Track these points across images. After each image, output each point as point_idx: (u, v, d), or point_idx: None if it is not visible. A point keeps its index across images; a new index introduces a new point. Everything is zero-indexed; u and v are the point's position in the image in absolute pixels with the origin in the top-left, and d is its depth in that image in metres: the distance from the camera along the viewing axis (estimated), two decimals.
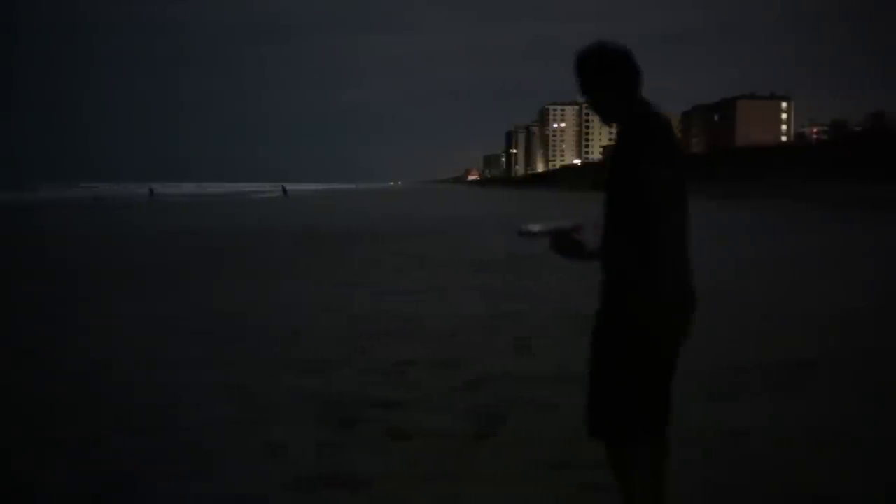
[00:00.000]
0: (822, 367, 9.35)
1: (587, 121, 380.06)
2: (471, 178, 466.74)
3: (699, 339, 10.86)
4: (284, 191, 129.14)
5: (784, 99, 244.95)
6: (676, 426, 4.83)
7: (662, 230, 4.27)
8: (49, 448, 7.07)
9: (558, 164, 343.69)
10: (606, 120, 4.66)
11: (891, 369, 9.34)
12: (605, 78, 4.54)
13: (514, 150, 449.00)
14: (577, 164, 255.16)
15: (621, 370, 4.48)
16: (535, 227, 4.88)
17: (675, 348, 4.57)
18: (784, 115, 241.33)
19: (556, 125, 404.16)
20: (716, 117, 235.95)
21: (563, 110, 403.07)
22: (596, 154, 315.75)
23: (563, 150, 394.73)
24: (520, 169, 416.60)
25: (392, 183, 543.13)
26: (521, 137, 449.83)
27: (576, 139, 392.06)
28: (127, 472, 6.46)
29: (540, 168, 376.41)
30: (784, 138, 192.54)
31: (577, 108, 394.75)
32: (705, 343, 10.81)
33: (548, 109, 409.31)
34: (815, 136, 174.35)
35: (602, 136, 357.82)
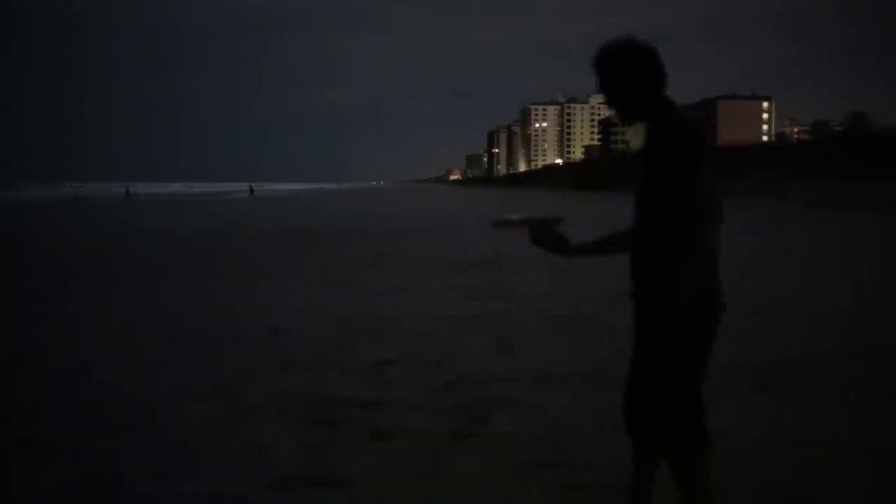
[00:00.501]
0: (803, 367, 9.39)
1: (569, 121, 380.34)
2: (452, 177, 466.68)
3: None
4: (251, 191, 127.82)
5: (765, 99, 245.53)
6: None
7: (702, 234, 4.23)
8: (32, 449, 7.05)
9: (540, 163, 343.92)
10: (629, 117, 4.51)
11: (872, 368, 9.37)
12: (638, 72, 4.43)
13: (496, 150, 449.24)
14: (558, 164, 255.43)
15: (666, 373, 4.51)
16: (514, 216, 4.82)
17: (710, 350, 4.59)
18: (765, 115, 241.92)
19: (537, 125, 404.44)
20: (696, 117, 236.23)
21: (544, 110, 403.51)
22: (577, 154, 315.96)
23: (544, 150, 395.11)
24: (501, 168, 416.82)
25: (374, 183, 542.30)
26: (503, 137, 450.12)
27: (557, 139, 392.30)
28: (110, 473, 6.45)
29: (522, 168, 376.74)
30: (765, 138, 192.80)
31: (558, 108, 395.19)
32: None
33: (529, 109, 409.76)
34: (795, 136, 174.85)
35: (584, 136, 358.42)
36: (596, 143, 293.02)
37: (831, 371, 9.24)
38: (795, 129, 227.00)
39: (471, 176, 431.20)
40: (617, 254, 4.78)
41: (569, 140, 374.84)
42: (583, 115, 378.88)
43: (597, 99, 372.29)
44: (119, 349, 10.91)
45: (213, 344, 11.16)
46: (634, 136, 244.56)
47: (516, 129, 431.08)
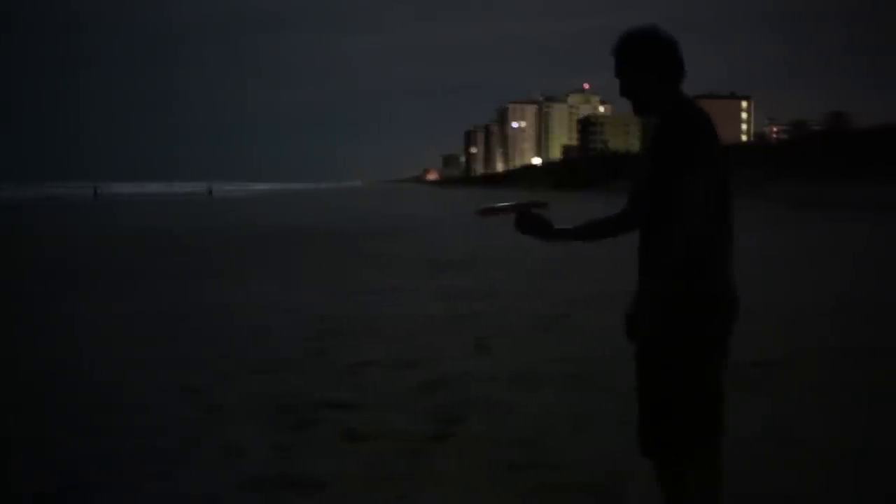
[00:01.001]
0: (787, 367, 9.36)
1: (547, 120, 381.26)
2: (430, 178, 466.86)
3: None
4: (210, 192, 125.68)
5: (744, 98, 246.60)
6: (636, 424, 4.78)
7: (708, 233, 4.14)
8: (3, 449, 6.96)
9: (518, 163, 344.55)
10: (642, 109, 4.35)
11: (859, 368, 9.34)
12: (655, 61, 4.29)
13: (474, 150, 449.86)
14: (536, 164, 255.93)
15: (682, 384, 4.25)
16: (498, 204, 4.79)
17: (721, 351, 4.39)
18: (744, 115, 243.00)
19: (515, 125, 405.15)
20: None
21: (522, 109, 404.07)
22: (556, 154, 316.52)
23: (522, 150, 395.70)
24: (479, 168, 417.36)
25: (353, 182, 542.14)
26: (481, 137, 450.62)
27: (535, 139, 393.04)
28: (82, 474, 6.36)
29: (499, 168, 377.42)
30: (744, 138, 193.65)
31: (536, 107, 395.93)
32: None
33: (507, 108, 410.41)
34: (775, 136, 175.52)
35: (562, 136, 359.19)
36: (575, 142, 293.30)
37: (817, 371, 9.21)
38: (774, 129, 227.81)
39: (448, 176, 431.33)
40: (599, 240, 4.66)
41: (547, 140, 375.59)
42: (561, 114, 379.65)
43: (575, 99, 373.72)
44: (91, 350, 10.80)
45: (190, 344, 11.07)
46: (613, 137, 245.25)
47: (494, 128, 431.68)
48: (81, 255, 25.55)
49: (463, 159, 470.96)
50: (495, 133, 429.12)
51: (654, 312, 4.18)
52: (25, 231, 39.88)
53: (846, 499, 5.82)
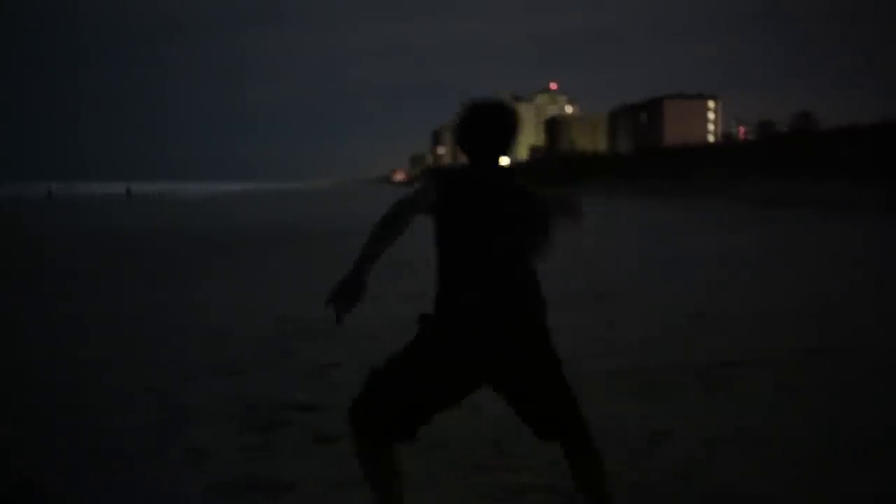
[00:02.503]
0: (749, 367, 9.37)
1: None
2: (397, 178, 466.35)
3: (623, 338, 10.91)
4: (128, 193, 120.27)
5: (711, 98, 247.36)
6: (603, 426, 4.78)
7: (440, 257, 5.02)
8: None
9: None
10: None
11: (824, 368, 9.36)
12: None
13: (441, 150, 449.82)
14: (504, 165, 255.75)
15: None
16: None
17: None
18: (711, 115, 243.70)
19: None
20: (643, 117, 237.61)
21: None
22: (524, 154, 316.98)
23: None
24: None
25: (320, 182, 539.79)
26: (447, 137, 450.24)
27: None
28: (39, 476, 6.30)
29: None
30: (711, 138, 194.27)
31: None
32: (629, 343, 10.82)
33: None
34: (742, 136, 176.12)
35: (529, 137, 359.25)
36: (542, 143, 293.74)
37: (780, 371, 9.22)
38: (742, 129, 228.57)
39: (414, 176, 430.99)
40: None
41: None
42: (528, 114, 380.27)
43: (542, 99, 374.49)
44: (51, 351, 10.71)
45: (153, 346, 10.99)
46: (580, 137, 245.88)
47: None
48: (44, 254, 25.41)
49: (430, 159, 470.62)
50: None
51: (544, 313, 4.95)
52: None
53: (818, 499, 5.82)
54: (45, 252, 26.76)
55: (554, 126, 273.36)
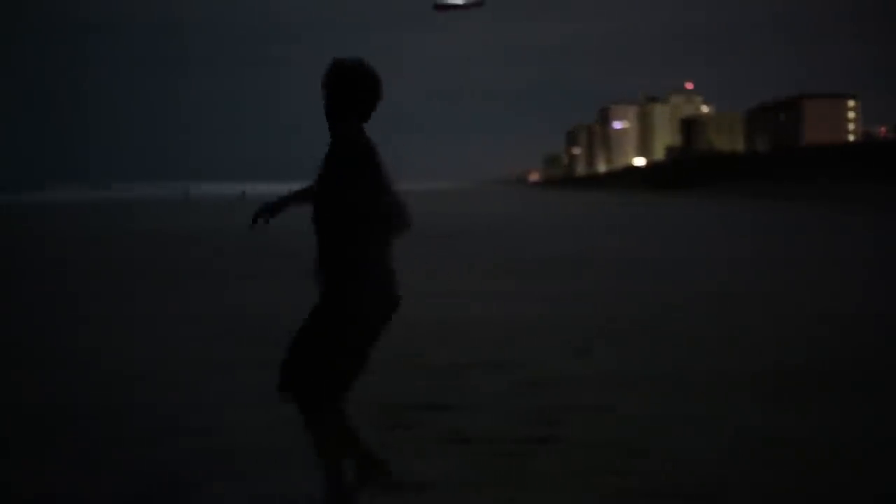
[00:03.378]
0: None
1: (649, 120, 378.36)
2: (532, 178, 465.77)
3: (751, 340, 10.69)
4: (243, 195, 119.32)
5: (851, 97, 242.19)
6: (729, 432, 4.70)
7: (366, 231, 5.01)
8: (118, 448, 7.05)
9: (621, 163, 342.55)
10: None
11: None
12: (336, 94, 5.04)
13: (576, 151, 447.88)
14: (639, 165, 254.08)
15: (321, 343, 5.08)
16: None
17: (367, 337, 5.10)
18: (851, 115, 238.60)
19: (617, 125, 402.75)
20: (781, 116, 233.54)
21: (624, 110, 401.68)
22: (659, 154, 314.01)
23: (625, 151, 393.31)
24: (581, 169, 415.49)
25: (455, 183, 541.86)
26: (582, 137, 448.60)
27: (638, 138, 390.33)
28: (180, 474, 6.42)
29: (601, 168, 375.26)
30: (851, 137, 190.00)
31: (637, 107, 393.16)
32: (754, 344, 10.67)
33: (608, 109, 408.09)
34: (883, 135, 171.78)
35: (665, 136, 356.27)
36: (678, 142, 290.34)
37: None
38: (883, 129, 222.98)
39: (549, 177, 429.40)
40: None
41: (650, 140, 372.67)
42: (663, 114, 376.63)
43: (678, 98, 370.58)
44: (184, 350, 10.90)
45: (276, 344, 11.11)
46: (717, 136, 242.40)
47: (596, 129, 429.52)
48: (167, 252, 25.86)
49: (564, 159, 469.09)
50: (597, 133, 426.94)
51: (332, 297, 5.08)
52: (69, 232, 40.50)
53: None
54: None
55: (690, 126, 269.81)
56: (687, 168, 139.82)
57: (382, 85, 5.08)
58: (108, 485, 6.28)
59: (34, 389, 8.99)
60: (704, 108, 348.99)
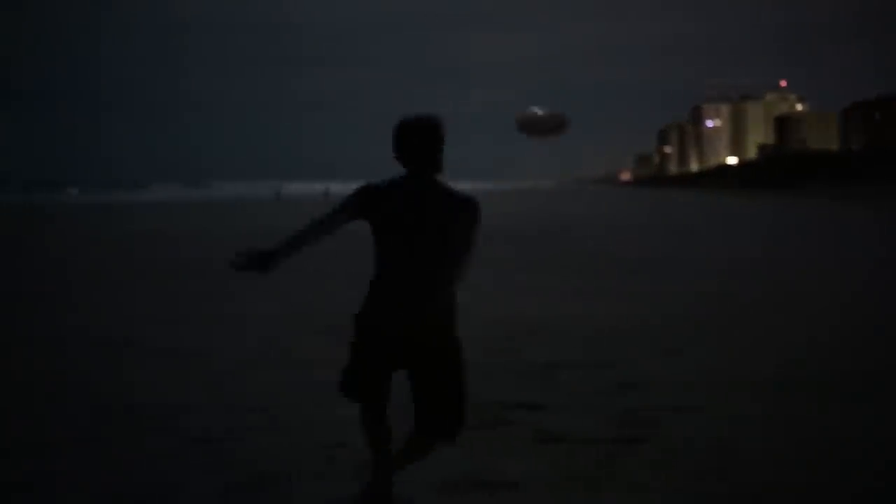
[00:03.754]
0: None
1: (742, 119, 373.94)
2: (623, 178, 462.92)
3: (851, 344, 10.53)
4: (278, 196, 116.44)
5: None
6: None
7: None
8: (209, 445, 7.16)
9: (713, 162, 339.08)
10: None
11: None
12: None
13: (668, 150, 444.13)
14: (732, 164, 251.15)
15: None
16: (538, 111, 5.16)
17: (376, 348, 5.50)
18: None
19: (710, 123, 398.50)
20: (877, 115, 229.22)
21: (717, 108, 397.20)
22: (751, 153, 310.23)
23: (717, 149, 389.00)
24: (673, 168, 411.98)
25: (543, 183, 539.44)
26: (674, 136, 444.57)
27: (730, 138, 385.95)
28: (275, 470, 6.51)
29: (694, 167, 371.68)
30: None
31: (730, 105, 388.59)
32: (851, 348, 10.55)
33: (701, 107, 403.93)
34: None
35: (758, 135, 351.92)
36: (771, 141, 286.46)
37: None
38: None
39: (640, 176, 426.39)
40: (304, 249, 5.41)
41: (743, 138, 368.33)
42: (756, 112, 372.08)
43: (772, 97, 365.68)
44: (274, 348, 11.00)
45: None
46: (811, 135, 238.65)
47: (688, 127, 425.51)
48: None
49: (656, 158, 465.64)
50: (689, 132, 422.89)
51: (451, 318, 5.51)
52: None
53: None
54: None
55: (784, 124, 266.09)
56: (782, 167, 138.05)
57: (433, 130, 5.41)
58: (197, 479, 6.40)
59: (139, 387, 9.16)
60: (799, 107, 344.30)
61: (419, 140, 5.38)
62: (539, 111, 5.53)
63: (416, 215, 5.38)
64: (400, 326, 5.41)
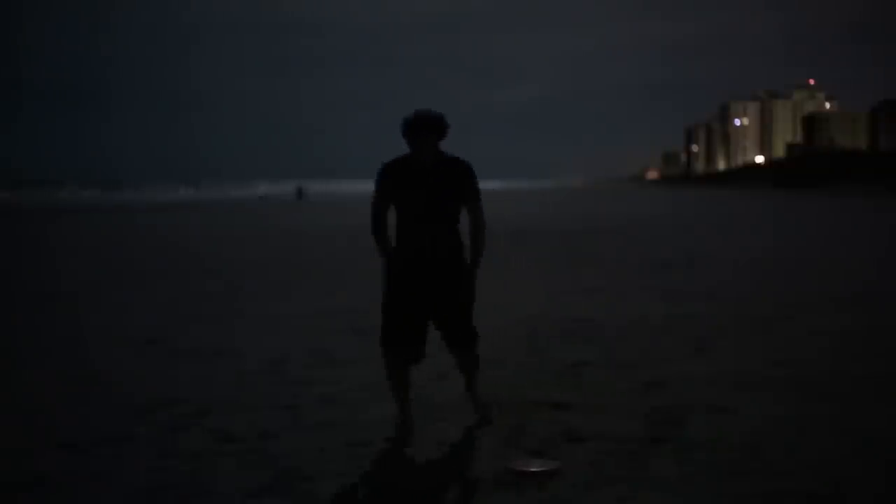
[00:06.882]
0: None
1: (770, 118, 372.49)
2: (650, 176, 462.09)
3: (883, 343, 10.46)
4: (300, 194, 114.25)
5: None
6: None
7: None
8: (232, 444, 7.19)
9: (740, 161, 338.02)
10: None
11: None
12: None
13: (695, 148, 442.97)
14: (759, 163, 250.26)
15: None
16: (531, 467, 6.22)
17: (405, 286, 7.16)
18: None
19: (737, 122, 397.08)
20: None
21: (744, 106, 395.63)
22: (780, 152, 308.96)
23: (744, 148, 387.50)
24: (700, 167, 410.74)
25: (568, 181, 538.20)
26: (702, 135, 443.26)
27: (758, 136, 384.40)
28: (299, 468, 6.51)
29: (721, 166, 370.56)
30: None
31: (758, 104, 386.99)
32: (884, 346, 10.48)
33: (728, 105, 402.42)
34: None
35: (786, 133, 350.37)
36: (800, 140, 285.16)
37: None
38: None
39: (668, 175, 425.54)
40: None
41: (770, 137, 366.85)
42: (785, 111, 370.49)
43: (800, 95, 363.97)
44: (310, 345, 11.01)
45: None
46: (840, 134, 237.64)
47: (715, 126, 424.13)
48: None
49: (683, 157, 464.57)
50: (716, 131, 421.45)
51: (459, 252, 7.21)
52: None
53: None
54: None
55: (812, 123, 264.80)
56: (811, 166, 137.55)
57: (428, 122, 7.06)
58: (224, 478, 6.42)
59: (165, 386, 9.19)
60: (828, 105, 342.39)
61: (416, 128, 7.02)
62: (535, 467, 6.30)
63: (421, 178, 7.03)
64: (420, 262, 7.04)
